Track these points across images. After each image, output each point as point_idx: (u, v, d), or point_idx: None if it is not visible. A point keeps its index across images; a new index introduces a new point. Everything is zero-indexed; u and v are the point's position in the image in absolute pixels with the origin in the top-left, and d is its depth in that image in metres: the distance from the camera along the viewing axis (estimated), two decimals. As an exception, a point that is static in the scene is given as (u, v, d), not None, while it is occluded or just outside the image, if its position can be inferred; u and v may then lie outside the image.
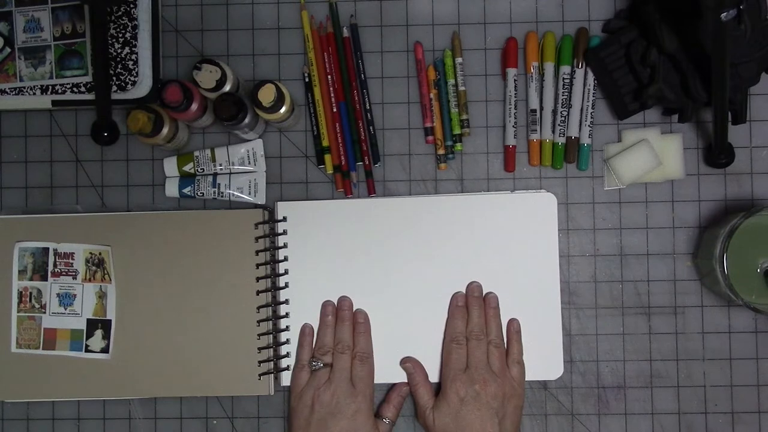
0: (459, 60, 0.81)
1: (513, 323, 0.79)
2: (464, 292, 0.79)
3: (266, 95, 0.74)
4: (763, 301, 0.73)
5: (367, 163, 0.81)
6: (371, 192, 0.81)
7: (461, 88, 0.81)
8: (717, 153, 0.79)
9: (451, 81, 0.81)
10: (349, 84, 0.81)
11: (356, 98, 0.82)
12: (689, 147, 0.81)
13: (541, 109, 0.81)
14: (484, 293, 0.79)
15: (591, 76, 0.80)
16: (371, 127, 0.82)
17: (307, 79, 0.82)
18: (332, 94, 0.81)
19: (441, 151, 0.82)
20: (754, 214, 0.72)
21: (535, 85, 0.81)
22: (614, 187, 0.81)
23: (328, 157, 0.81)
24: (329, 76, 0.81)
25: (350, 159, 0.81)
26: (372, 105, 0.82)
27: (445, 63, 0.81)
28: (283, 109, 0.76)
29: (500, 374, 0.76)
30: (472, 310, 0.78)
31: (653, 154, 0.79)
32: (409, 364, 0.79)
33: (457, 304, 0.79)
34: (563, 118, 0.81)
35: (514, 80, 0.81)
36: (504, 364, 0.77)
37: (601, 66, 0.79)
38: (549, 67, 0.81)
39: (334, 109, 0.81)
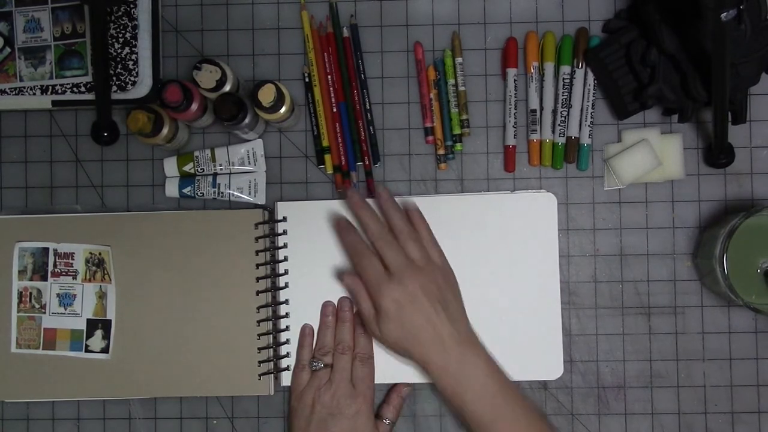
0: (459, 60, 0.81)
1: (409, 205, 0.77)
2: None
3: (266, 95, 0.74)
4: (763, 301, 0.73)
5: (367, 163, 0.81)
6: (371, 192, 0.81)
7: (461, 88, 0.81)
8: (717, 153, 0.79)
9: (451, 81, 0.81)
10: (349, 84, 0.81)
11: (356, 98, 0.81)
12: (689, 147, 0.81)
13: (541, 109, 0.81)
14: (484, 292, 0.79)
15: (591, 76, 0.80)
16: (371, 127, 0.82)
17: (307, 79, 0.82)
18: (332, 95, 0.81)
19: (441, 151, 0.81)
20: (754, 214, 0.72)
21: (535, 85, 0.81)
22: (614, 187, 0.81)
23: (328, 157, 0.81)
24: (329, 76, 0.81)
25: (350, 159, 0.81)
26: (372, 105, 0.82)
27: (445, 63, 0.81)
28: (283, 109, 0.76)
29: (424, 264, 0.73)
30: (363, 216, 0.75)
31: (653, 154, 0.79)
32: (348, 278, 0.75)
33: (341, 225, 0.77)
34: (563, 118, 0.81)
35: (514, 80, 0.81)
36: (424, 252, 0.74)
37: (601, 66, 0.79)
38: (549, 67, 0.81)
39: (334, 109, 0.81)
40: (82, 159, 0.83)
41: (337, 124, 0.81)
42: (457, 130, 0.82)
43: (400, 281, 0.72)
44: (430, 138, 0.82)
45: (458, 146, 0.82)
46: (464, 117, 0.81)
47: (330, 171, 0.82)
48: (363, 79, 0.82)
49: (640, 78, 0.77)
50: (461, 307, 0.75)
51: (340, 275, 0.77)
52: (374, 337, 0.76)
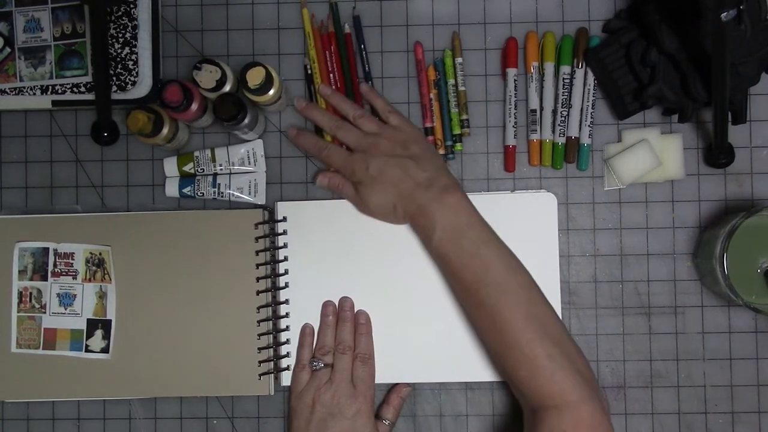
0: (459, 60, 0.81)
1: (361, 87, 0.81)
2: None
3: (254, 77, 0.74)
4: (763, 301, 0.73)
5: None
6: None
7: (461, 88, 0.81)
8: (717, 153, 0.79)
9: (451, 81, 0.81)
10: (350, 81, 0.81)
11: (358, 94, 0.81)
12: (689, 147, 0.81)
13: (541, 109, 0.81)
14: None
15: (591, 76, 0.80)
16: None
17: (309, 71, 0.82)
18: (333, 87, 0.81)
19: (441, 151, 0.81)
20: (754, 214, 0.72)
21: (535, 85, 0.81)
22: (614, 187, 0.81)
23: None
24: (331, 75, 0.81)
25: None
26: (372, 105, 0.82)
27: (445, 63, 0.81)
28: (271, 92, 0.76)
29: (381, 131, 0.77)
30: (314, 115, 0.80)
31: (653, 154, 0.79)
32: (319, 178, 0.80)
33: (294, 132, 0.81)
34: (563, 118, 0.81)
35: (514, 80, 0.81)
36: (378, 123, 0.79)
37: (601, 66, 0.79)
38: (549, 67, 0.81)
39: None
40: (82, 159, 0.83)
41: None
42: (457, 130, 0.82)
43: (364, 152, 0.76)
44: (431, 138, 0.82)
45: (458, 146, 0.82)
46: (464, 117, 0.81)
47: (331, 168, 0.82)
48: (367, 71, 0.82)
49: (640, 78, 0.77)
50: (432, 157, 0.77)
51: (314, 179, 0.80)
52: (367, 213, 0.78)
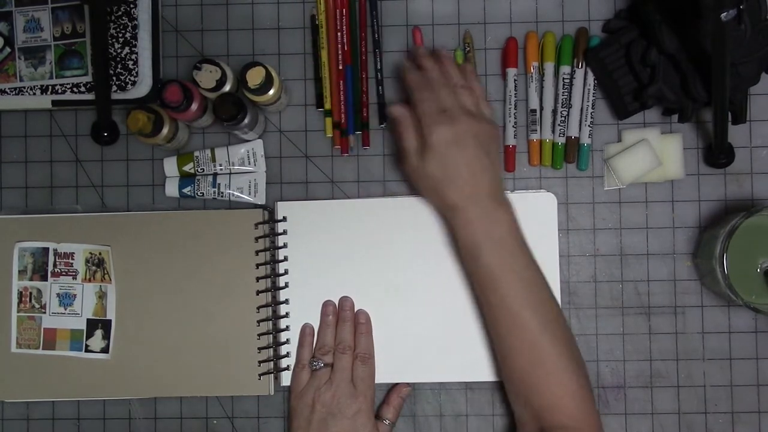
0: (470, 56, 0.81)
1: (466, 67, 0.79)
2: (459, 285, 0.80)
3: (254, 77, 0.74)
4: (763, 301, 0.73)
5: (365, 114, 0.81)
6: (365, 144, 0.82)
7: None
8: (717, 153, 0.79)
9: None
10: (358, 44, 0.81)
11: (365, 59, 0.81)
12: (689, 147, 0.81)
13: (541, 109, 0.81)
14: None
15: (591, 76, 0.80)
16: (380, 87, 0.82)
17: (316, 22, 0.81)
18: (340, 53, 0.81)
19: (441, 151, 0.81)
20: (754, 214, 0.72)
21: (535, 85, 0.81)
22: (614, 187, 0.81)
23: (328, 120, 0.82)
24: (339, 34, 0.81)
25: (350, 122, 0.81)
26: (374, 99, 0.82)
27: (456, 59, 0.81)
28: (271, 92, 0.76)
29: (477, 114, 0.75)
30: (426, 63, 0.78)
31: (653, 154, 0.79)
32: (397, 109, 0.76)
33: (408, 65, 0.78)
34: (563, 118, 0.81)
35: (514, 80, 0.81)
36: (478, 104, 0.76)
37: (601, 66, 0.79)
38: (549, 67, 0.81)
39: (340, 67, 0.81)
40: (82, 159, 0.83)
41: (341, 81, 0.81)
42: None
43: (452, 120, 0.72)
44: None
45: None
46: (464, 117, 0.81)
47: (329, 134, 0.82)
48: (376, 39, 0.81)
49: (640, 78, 0.77)
50: (499, 164, 0.76)
51: (390, 108, 0.77)
52: (410, 172, 0.75)
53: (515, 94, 0.81)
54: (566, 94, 0.81)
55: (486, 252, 0.71)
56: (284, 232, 0.81)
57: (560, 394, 0.70)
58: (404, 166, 0.76)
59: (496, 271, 0.71)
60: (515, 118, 0.81)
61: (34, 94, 0.81)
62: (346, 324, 0.79)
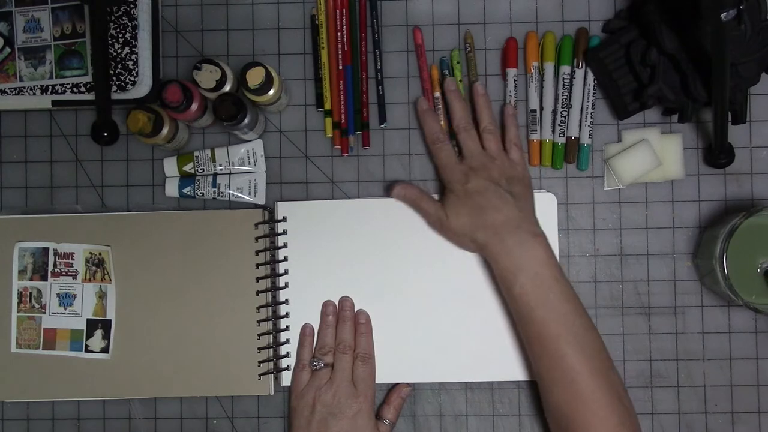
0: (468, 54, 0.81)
1: (507, 108, 0.80)
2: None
3: (254, 77, 0.74)
4: (763, 301, 0.73)
5: (365, 114, 0.81)
6: (365, 144, 0.82)
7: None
8: (717, 153, 0.79)
9: (459, 76, 0.81)
10: (357, 45, 0.81)
11: (365, 59, 0.81)
12: (689, 147, 0.81)
13: (541, 109, 0.81)
14: (485, 291, 0.79)
15: (591, 76, 0.80)
16: (380, 87, 0.82)
17: (316, 22, 0.81)
18: (340, 53, 0.81)
19: (441, 151, 0.81)
20: (754, 214, 0.72)
21: (535, 85, 0.81)
22: (614, 187, 0.81)
23: (328, 120, 0.81)
24: (339, 34, 0.81)
25: (350, 122, 0.81)
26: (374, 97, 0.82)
27: (452, 58, 0.81)
28: (271, 92, 0.76)
29: (498, 157, 0.76)
30: (454, 103, 0.79)
31: (653, 154, 0.79)
32: (399, 189, 0.78)
33: (423, 108, 0.80)
34: (563, 118, 0.81)
35: (514, 80, 0.81)
36: (500, 147, 0.78)
37: (601, 66, 0.79)
38: (549, 67, 0.81)
39: (340, 67, 0.81)
40: (82, 159, 0.83)
41: (341, 81, 0.81)
42: (457, 130, 0.81)
43: (471, 167, 0.75)
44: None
45: (458, 146, 0.82)
46: (464, 117, 0.81)
47: (329, 134, 0.82)
48: (376, 39, 0.81)
49: (640, 78, 0.77)
50: (530, 202, 0.76)
51: (390, 191, 0.78)
52: (443, 230, 0.77)
53: (515, 94, 0.81)
54: (566, 94, 0.81)
55: (521, 283, 0.71)
56: (284, 232, 0.81)
57: (597, 426, 0.68)
58: (435, 228, 0.78)
59: (530, 303, 0.71)
60: (515, 118, 0.81)
61: (34, 94, 0.81)
62: (346, 324, 0.79)
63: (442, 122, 0.80)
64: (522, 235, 0.72)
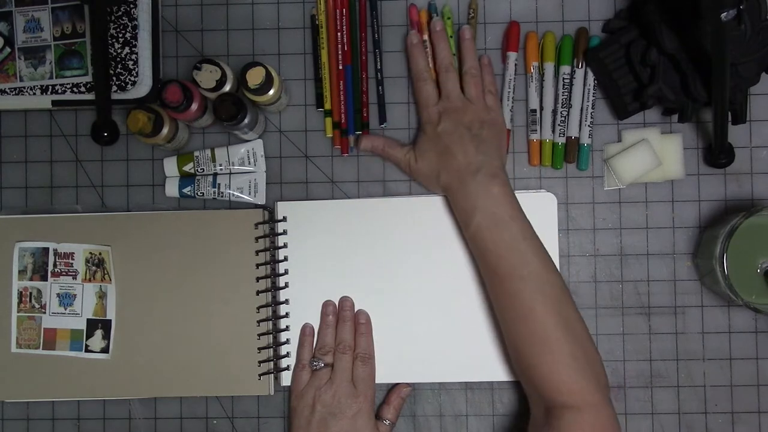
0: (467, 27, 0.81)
1: (483, 58, 0.80)
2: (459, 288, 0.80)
3: (254, 77, 0.74)
4: (763, 301, 0.73)
5: (365, 114, 0.81)
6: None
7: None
8: (717, 153, 0.79)
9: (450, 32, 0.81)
10: (357, 44, 0.81)
11: (365, 59, 0.81)
12: (689, 147, 0.81)
13: (541, 109, 0.81)
14: (485, 291, 0.79)
15: (591, 76, 0.80)
16: (380, 87, 0.82)
17: (316, 22, 0.81)
18: (340, 53, 0.81)
19: (441, 151, 0.81)
20: (754, 214, 0.72)
21: (535, 85, 0.81)
22: (614, 187, 0.81)
23: (328, 120, 0.81)
24: (339, 34, 0.81)
25: (350, 122, 0.81)
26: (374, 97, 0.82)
27: (444, 15, 0.81)
28: (271, 92, 0.76)
29: (476, 101, 0.77)
30: (439, 45, 0.79)
31: (653, 154, 0.79)
32: (365, 141, 0.80)
33: (413, 42, 0.80)
34: (563, 118, 0.81)
35: (515, 64, 0.81)
36: (480, 92, 0.78)
37: (601, 66, 0.79)
38: (549, 67, 0.81)
39: (340, 67, 0.81)
40: (82, 159, 0.83)
41: (341, 81, 0.81)
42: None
43: (445, 108, 0.76)
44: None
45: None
46: (464, 117, 0.81)
47: (329, 134, 0.82)
48: (376, 39, 0.81)
49: (640, 78, 0.77)
50: (497, 146, 0.76)
51: (357, 144, 0.81)
52: (412, 171, 0.78)
53: (513, 87, 0.81)
54: (566, 94, 0.81)
55: (476, 223, 0.72)
56: (284, 232, 0.81)
57: (550, 362, 0.69)
58: (404, 170, 0.80)
59: (487, 244, 0.72)
60: (512, 102, 0.81)
61: (34, 94, 0.81)
62: (346, 324, 0.79)
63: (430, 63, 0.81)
64: (480, 177, 0.73)
